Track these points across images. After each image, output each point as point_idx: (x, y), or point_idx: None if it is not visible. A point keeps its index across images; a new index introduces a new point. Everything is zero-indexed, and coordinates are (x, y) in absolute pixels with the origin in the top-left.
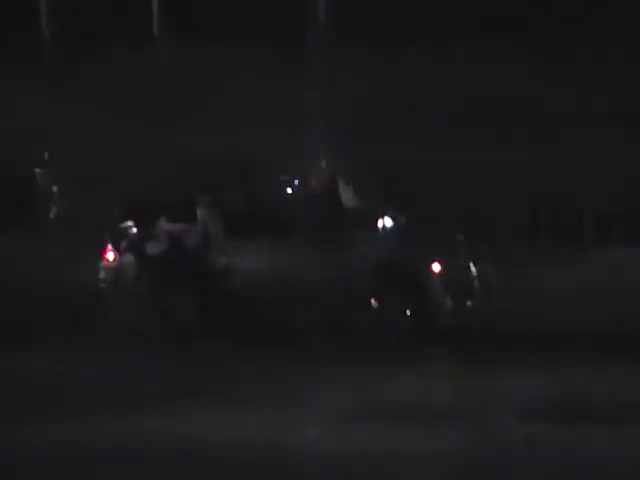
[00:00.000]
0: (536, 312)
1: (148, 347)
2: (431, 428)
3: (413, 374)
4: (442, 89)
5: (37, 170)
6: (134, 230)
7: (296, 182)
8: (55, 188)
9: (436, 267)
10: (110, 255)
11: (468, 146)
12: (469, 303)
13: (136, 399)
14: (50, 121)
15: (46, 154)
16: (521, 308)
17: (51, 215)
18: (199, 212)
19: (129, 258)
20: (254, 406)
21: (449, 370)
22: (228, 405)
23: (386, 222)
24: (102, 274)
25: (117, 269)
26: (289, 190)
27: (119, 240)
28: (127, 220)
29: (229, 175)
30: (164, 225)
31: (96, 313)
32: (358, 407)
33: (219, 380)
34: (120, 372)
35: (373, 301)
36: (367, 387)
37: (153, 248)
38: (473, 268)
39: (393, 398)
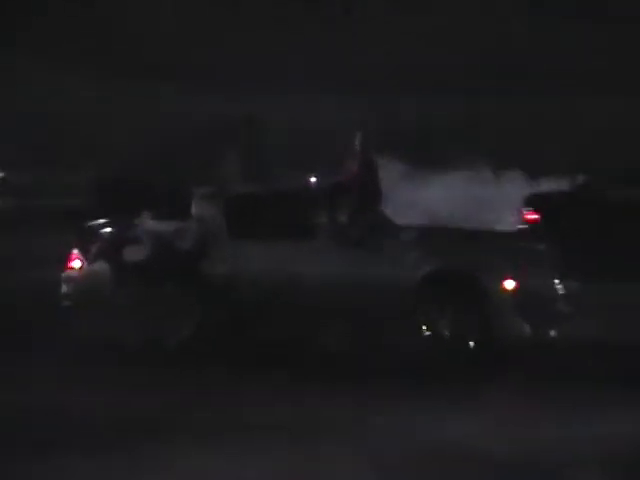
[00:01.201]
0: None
1: (128, 379)
2: None
3: (477, 419)
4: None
5: None
6: (109, 229)
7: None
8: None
9: (509, 284)
10: (76, 262)
11: None
12: (553, 332)
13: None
14: None
15: None
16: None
17: None
18: (195, 206)
19: (102, 266)
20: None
21: (520, 417)
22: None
23: (439, 221)
24: (65, 287)
25: (85, 281)
26: (312, 177)
27: (89, 242)
28: (99, 215)
29: (235, 158)
30: (148, 223)
31: (56, 338)
32: (405, 454)
33: (220, 419)
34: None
35: (423, 327)
36: (415, 432)
37: (134, 253)
38: (559, 286)
39: (447, 447)
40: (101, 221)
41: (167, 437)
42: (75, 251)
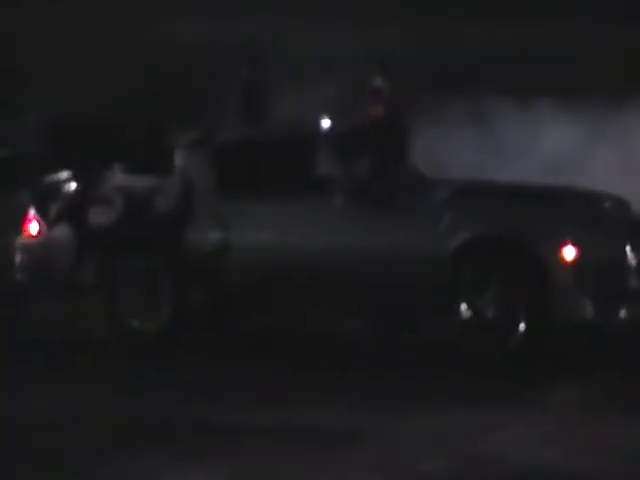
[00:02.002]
0: None
1: (94, 373)
2: None
3: (527, 421)
4: None
5: None
6: (71, 186)
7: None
8: None
9: (569, 252)
10: (33, 226)
11: None
12: (623, 311)
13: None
14: None
15: None
16: None
17: None
18: (177, 157)
19: (63, 231)
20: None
21: (581, 415)
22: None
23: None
24: (20, 257)
25: (43, 248)
26: (323, 122)
27: (47, 202)
28: (59, 169)
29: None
30: (119, 178)
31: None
32: (445, 466)
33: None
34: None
35: (463, 305)
36: (455, 438)
37: (101, 215)
38: (631, 255)
39: (494, 457)
40: (62, 175)
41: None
42: (31, 212)
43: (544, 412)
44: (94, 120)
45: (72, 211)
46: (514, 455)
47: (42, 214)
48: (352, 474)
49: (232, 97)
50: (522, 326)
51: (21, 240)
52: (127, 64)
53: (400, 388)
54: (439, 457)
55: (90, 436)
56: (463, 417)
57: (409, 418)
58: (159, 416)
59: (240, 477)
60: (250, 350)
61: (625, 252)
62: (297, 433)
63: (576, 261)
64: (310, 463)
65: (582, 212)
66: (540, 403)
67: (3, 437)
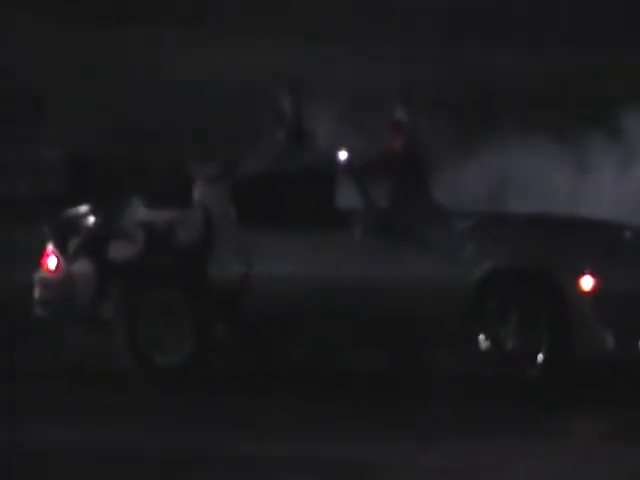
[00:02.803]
0: None
1: (118, 406)
2: None
3: (546, 453)
4: None
5: None
6: (91, 220)
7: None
8: None
9: (587, 282)
10: (52, 261)
11: None
12: None
13: None
14: None
15: None
16: None
17: None
18: (197, 190)
19: (83, 265)
20: None
21: (600, 447)
22: None
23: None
24: (39, 292)
25: (63, 283)
26: (341, 154)
27: (66, 236)
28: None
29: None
30: (139, 211)
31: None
32: None
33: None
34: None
35: (481, 336)
36: (472, 471)
37: (122, 249)
38: None
39: None
40: (82, 209)
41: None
42: (50, 247)
43: (563, 444)
44: (113, 155)
45: (92, 245)
46: None
47: (61, 248)
48: None
49: (274, 127)
50: (541, 357)
51: (40, 275)
52: (147, 97)
53: (417, 421)
54: None
55: (113, 467)
56: (480, 449)
57: (425, 451)
58: (182, 449)
59: None
60: (272, 383)
61: None
62: (310, 465)
63: (595, 291)
64: None
65: (602, 242)
66: (559, 435)
67: (22, 467)
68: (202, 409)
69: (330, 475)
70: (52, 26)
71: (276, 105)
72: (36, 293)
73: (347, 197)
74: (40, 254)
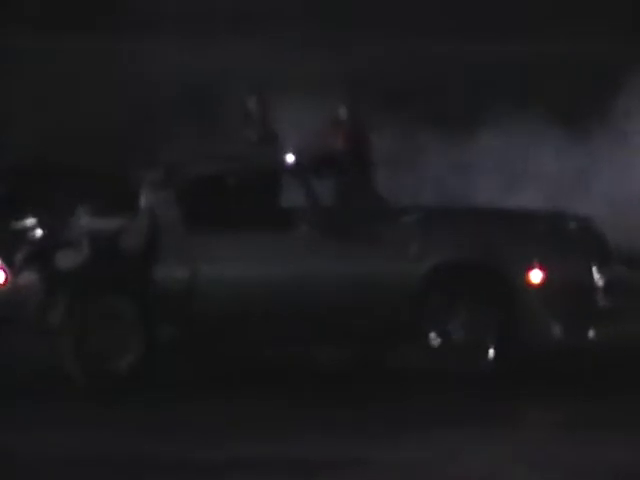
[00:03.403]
0: None
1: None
2: None
3: (497, 441)
4: None
5: None
6: (36, 231)
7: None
8: None
9: (536, 275)
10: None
11: None
12: (591, 333)
13: None
14: None
15: None
16: None
17: None
18: (143, 196)
19: (29, 277)
20: None
21: (549, 433)
22: None
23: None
24: None
25: (11, 294)
26: (287, 155)
27: (12, 247)
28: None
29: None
30: (84, 220)
31: None
32: None
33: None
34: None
35: (432, 330)
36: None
37: (68, 259)
38: (597, 276)
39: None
40: (27, 221)
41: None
42: None
43: (513, 431)
44: (54, 163)
45: (39, 256)
46: (483, 474)
47: (8, 261)
48: None
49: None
50: (491, 348)
51: None
52: (95, 106)
53: (369, 414)
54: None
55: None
56: (433, 441)
57: (378, 444)
58: (132, 453)
59: None
60: (221, 383)
61: (591, 272)
62: (279, 464)
63: (543, 283)
64: None
65: (548, 234)
66: (510, 423)
67: None
68: (146, 413)
69: (277, 472)
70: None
71: (244, 106)
72: None
73: (293, 196)
74: None
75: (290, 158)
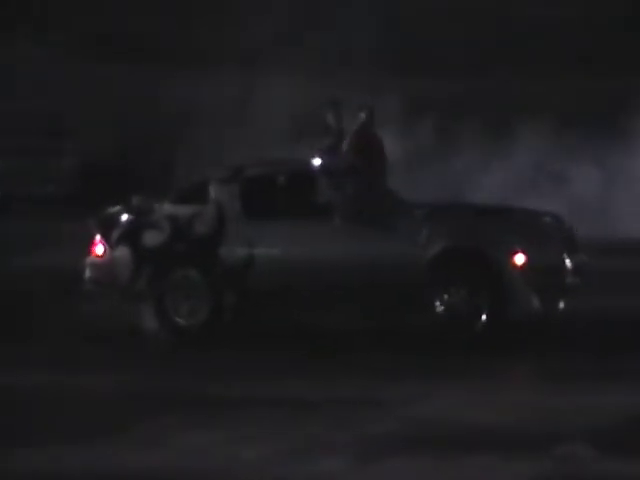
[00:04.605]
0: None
1: (146, 361)
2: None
3: (484, 392)
4: None
5: None
6: (128, 216)
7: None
8: None
9: (519, 258)
10: (99, 248)
11: None
12: (562, 305)
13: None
14: None
15: None
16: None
17: None
18: (211, 190)
19: (123, 251)
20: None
21: (528, 388)
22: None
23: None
24: (89, 272)
25: (108, 265)
26: (315, 160)
27: (110, 228)
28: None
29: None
30: (166, 208)
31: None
32: (399, 431)
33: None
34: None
35: (437, 302)
36: (417, 407)
37: (153, 238)
38: (567, 259)
39: (446, 421)
40: (116, 208)
41: (177, 413)
42: (97, 237)
43: (491, 383)
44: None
45: (130, 235)
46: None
47: (106, 238)
48: (318, 433)
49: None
50: (484, 317)
51: (89, 259)
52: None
53: (381, 366)
54: (393, 420)
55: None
56: (433, 387)
57: (384, 388)
58: (180, 389)
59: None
60: (267, 341)
61: (563, 257)
62: (282, 402)
63: (525, 265)
64: (286, 423)
65: (529, 226)
66: (491, 376)
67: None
68: (208, 360)
69: (283, 408)
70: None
71: (324, 120)
72: (87, 273)
73: (327, 193)
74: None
75: (317, 162)
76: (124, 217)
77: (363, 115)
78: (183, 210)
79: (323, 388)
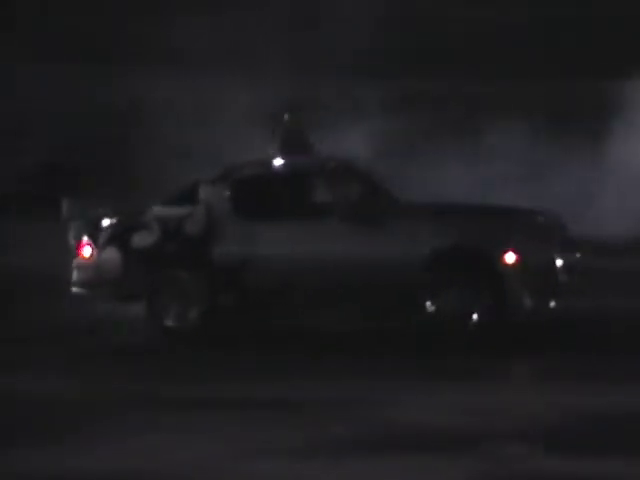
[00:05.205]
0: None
1: (135, 365)
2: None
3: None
4: None
5: None
6: (116, 217)
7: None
8: None
9: (511, 257)
10: (87, 250)
11: None
12: (553, 303)
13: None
14: None
15: None
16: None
17: None
18: (201, 190)
19: (111, 253)
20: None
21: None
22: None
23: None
24: (76, 274)
25: (96, 267)
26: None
27: (98, 230)
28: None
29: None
30: (155, 209)
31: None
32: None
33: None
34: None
35: (428, 302)
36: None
37: (142, 239)
38: (558, 258)
39: (397, 422)
40: (102, 210)
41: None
42: (85, 238)
43: (500, 383)
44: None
45: (119, 237)
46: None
47: (93, 240)
48: (278, 432)
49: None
50: (476, 316)
51: (77, 261)
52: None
53: (375, 366)
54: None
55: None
56: (432, 387)
57: (379, 388)
58: (173, 389)
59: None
60: (263, 342)
61: (555, 255)
62: (263, 403)
63: (517, 264)
64: (266, 424)
65: (522, 225)
66: (497, 374)
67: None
68: (199, 360)
69: (265, 410)
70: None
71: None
72: (74, 276)
73: (325, 193)
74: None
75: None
76: (106, 220)
77: (287, 116)
78: (173, 211)
79: (300, 389)
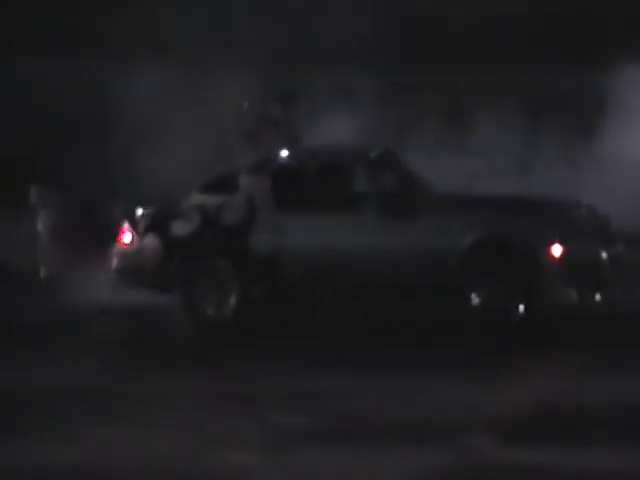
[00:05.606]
0: None
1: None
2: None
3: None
4: None
5: None
6: (157, 205)
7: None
8: None
9: (556, 250)
10: (127, 237)
11: None
12: (598, 297)
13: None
14: None
15: None
16: None
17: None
18: (241, 180)
19: (151, 240)
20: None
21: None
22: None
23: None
24: (116, 261)
25: (135, 254)
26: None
27: (137, 218)
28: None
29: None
30: (195, 198)
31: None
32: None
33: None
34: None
35: (472, 293)
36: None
37: (181, 227)
38: (604, 252)
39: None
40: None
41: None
42: (125, 226)
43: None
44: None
45: (158, 224)
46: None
47: (134, 227)
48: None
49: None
50: (521, 308)
51: (117, 247)
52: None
53: (412, 356)
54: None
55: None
56: (471, 383)
57: (402, 379)
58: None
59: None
60: (288, 333)
61: (599, 249)
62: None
63: (562, 257)
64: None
65: (565, 217)
66: (521, 372)
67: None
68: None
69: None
70: None
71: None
72: (114, 262)
73: (361, 185)
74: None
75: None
76: (153, 206)
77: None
78: (212, 200)
79: (259, 382)
